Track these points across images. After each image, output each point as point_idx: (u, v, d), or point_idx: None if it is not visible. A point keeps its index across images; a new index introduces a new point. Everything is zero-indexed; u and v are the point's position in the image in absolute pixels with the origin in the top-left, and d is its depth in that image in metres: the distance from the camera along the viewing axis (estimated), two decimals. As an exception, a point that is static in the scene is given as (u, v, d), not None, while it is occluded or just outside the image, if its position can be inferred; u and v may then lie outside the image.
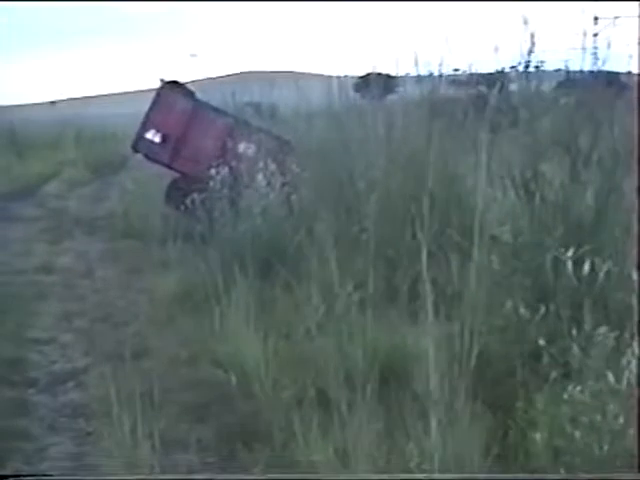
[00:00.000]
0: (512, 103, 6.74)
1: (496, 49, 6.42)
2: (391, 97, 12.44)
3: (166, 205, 11.24)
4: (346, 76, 11.58)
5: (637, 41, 5.67)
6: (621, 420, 3.66)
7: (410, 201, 6.72)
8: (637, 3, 5.78)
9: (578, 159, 5.50)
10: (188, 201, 9.33)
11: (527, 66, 5.98)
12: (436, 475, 3.78)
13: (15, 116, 29.48)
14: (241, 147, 10.73)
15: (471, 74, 9.79)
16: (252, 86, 16.47)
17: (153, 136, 11.46)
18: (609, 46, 5.82)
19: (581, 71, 6.19)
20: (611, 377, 3.64)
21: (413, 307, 5.15)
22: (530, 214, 5.52)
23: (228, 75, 61.12)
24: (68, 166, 20.54)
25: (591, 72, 6.03)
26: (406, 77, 9.72)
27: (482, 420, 4.08)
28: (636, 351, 3.82)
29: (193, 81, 16.51)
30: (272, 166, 9.03)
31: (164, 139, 11.41)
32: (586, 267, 4.52)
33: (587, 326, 3.97)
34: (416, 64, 8.27)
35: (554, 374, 4.05)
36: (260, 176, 8.77)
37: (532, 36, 5.80)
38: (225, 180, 9.17)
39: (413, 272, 5.53)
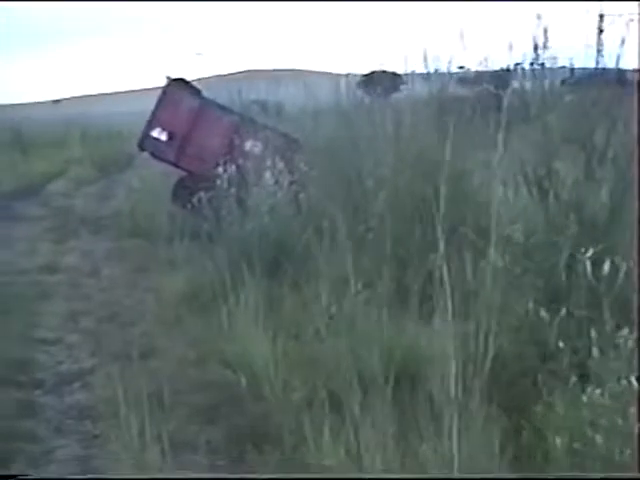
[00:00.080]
0: (524, 100, 6.65)
1: (510, 47, 6.35)
2: (396, 95, 12.40)
3: (173, 203, 11.18)
4: (351, 74, 11.54)
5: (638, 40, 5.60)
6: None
7: (419, 199, 6.65)
8: (637, 3, 5.71)
9: (593, 156, 5.42)
10: (195, 199, 9.26)
11: (533, 63, 5.91)
12: (440, 475, 3.72)
13: (18, 115, 29.44)
14: (248, 145, 10.66)
15: (477, 72, 9.73)
16: (258, 84, 16.46)
17: (159, 134, 11.40)
18: (622, 43, 5.74)
19: (586, 68, 6.12)
20: (634, 379, 3.55)
21: (425, 307, 5.08)
22: (544, 212, 5.44)
23: (234, 73, 61.04)
24: (74, 164, 20.51)
25: (596, 69, 5.95)
26: (412, 75, 9.64)
27: (497, 422, 4.01)
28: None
29: (199, 79, 16.48)
30: (280, 164, 8.95)
31: (170, 137, 11.35)
32: (606, 267, 4.43)
33: (608, 327, 3.88)
34: (425, 61, 8.21)
35: (572, 377, 3.97)
36: (267, 174, 8.69)
37: (545, 31, 5.72)
38: (232, 178, 9.09)
39: (424, 271, 5.46)
